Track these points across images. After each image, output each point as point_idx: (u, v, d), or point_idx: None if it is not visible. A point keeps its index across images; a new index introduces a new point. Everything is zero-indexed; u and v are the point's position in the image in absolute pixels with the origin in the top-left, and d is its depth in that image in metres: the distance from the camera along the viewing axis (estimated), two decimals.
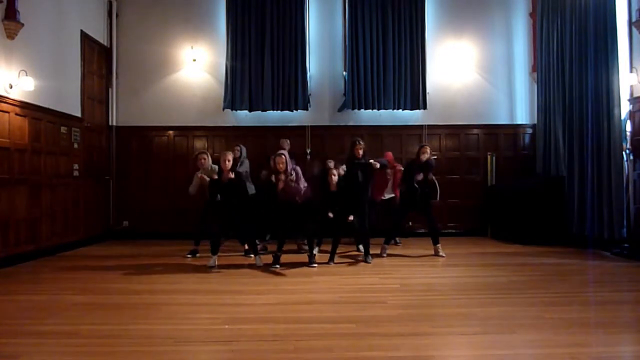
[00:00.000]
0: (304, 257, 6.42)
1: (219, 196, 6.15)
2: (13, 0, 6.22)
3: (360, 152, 6.60)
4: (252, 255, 6.49)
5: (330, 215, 6.28)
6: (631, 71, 6.87)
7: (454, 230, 9.11)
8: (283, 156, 6.30)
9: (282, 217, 6.31)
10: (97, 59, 8.68)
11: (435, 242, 6.93)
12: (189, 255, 6.85)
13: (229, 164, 6.12)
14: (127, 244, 8.28)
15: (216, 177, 6.15)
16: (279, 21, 8.96)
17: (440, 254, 6.84)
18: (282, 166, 6.24)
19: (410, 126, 9.19)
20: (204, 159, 6.77)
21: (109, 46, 9.00)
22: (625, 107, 7.00)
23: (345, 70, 9.12)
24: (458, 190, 9.15)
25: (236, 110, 8.97)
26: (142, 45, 9.14)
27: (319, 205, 6.44)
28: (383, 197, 7.53)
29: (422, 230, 8.99)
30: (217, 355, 3.33)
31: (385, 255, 6.85)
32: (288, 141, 8.07)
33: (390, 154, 7.80)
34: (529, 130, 9.31)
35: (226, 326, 3.79)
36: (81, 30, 8.08)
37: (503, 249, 7.56)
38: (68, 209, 7.64)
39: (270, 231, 7.46)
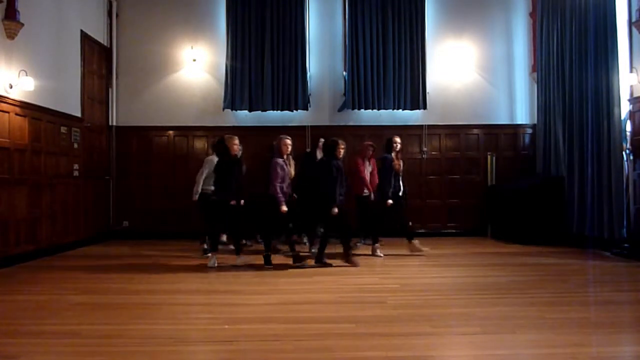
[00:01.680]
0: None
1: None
2: (13, 0, 6.22)
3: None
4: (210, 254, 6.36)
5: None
6: (631, 71, 6.87)
7: (454, 230, 9.12)
8: (288, 139, 6.26)
9: (267, 215, 6.20)
10: (97, 59, 8.68)
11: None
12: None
13: (237, 147, 6.30)
14: (127, 244, 8.27)
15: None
16: (279, 21, 8.96)
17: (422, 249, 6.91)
18: (286, 148, 6.17)
19: (410, 126, 9.19)
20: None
21: (109, 46, 8.99)
22: (625, 107, 7.00)
23: (345, 70, 9.13)
24: (458, 190, 9.16)
25: (236, 110, 8.97)
26: (142, 45, 9.14)
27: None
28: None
29: (423, 230, 9.03)
30: (217, 355, 3.33)
31: (382, 255, 6.84)
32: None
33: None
34: (529, 130, 9.31)
35: (226, 326, 3.79)
36: (81, 30, 8.08)
37: (503, 249, 7.56)
38: (68, 209, 7.64)
39: (259, 231, 7.50)
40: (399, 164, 7.02)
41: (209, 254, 6.36)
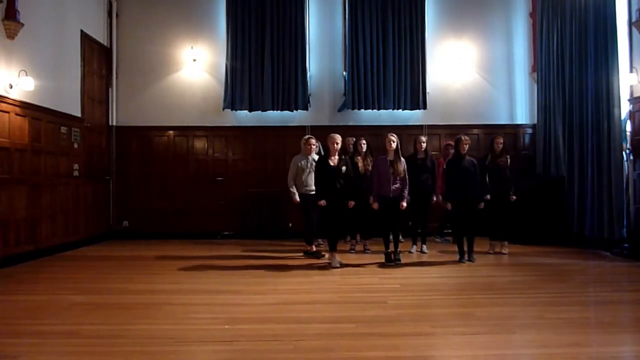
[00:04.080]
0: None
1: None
2: (13, 0, 6.23)
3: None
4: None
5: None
6: (631, 71, 6.87)
7: None
8: (394, 136, 6.38)
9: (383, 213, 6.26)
10: (97, 59, 8.68)
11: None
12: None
13: (338, 147, 6.24)
14: (127, 244, 8.27)
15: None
16: (279, 21, 8.97)
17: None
18: (390, 146, 6.27)
19: (410, 126, 9.18)
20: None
21: (109, 46, 9.00)
22: (625, 107, 7.00)
23: (345, 70, 9.12)
24: None
25: (236, 110, 8.97)
26: (142, 45, 9.15)
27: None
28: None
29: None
30: (217, 355, 3.33)
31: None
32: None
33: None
34: (529, 130, 9.30)
35: (226, 326, 3.79)
36: (81, 30, 8.08)
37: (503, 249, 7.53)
38: (68, 209, 7.64)
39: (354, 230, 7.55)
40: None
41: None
